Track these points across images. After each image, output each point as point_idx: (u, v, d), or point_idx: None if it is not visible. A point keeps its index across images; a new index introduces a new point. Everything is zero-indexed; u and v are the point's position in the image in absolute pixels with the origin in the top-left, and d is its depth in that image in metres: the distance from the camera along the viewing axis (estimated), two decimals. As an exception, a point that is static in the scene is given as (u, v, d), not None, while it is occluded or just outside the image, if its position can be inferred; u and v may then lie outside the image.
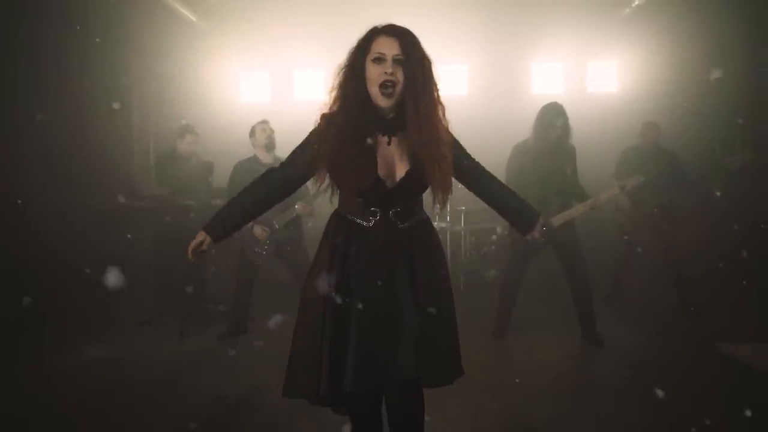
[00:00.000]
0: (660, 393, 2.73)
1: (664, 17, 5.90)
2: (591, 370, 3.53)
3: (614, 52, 6.62)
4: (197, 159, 4.61)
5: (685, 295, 4.62)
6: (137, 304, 4.59)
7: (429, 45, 1.75)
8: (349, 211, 1.81)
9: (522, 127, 3.98)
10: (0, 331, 3.81)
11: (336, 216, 1.87)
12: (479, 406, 2.88)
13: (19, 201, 4.20)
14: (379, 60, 1.69)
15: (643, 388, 3.02)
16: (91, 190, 4.94)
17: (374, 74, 1.69)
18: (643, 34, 6.15)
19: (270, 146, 4.12)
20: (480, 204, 2.09)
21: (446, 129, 1.79)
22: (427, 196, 1.86)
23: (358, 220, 1.79)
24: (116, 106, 5.15)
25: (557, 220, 3.76)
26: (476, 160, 1.98)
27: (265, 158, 4.11)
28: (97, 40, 4.65)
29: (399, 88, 1.70)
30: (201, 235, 1.83)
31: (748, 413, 2.52)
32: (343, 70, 1.76)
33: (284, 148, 3.29)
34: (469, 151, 1.95)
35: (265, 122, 4.17)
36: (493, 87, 6.65)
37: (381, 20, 1.76)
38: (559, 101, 3.84)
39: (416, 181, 1.76)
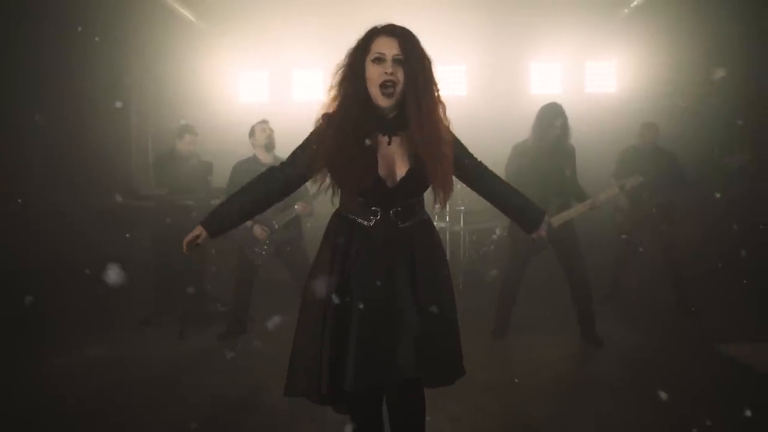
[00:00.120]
0: (660, 393, 2.72)
1: (662, 17, 5.90)
2: (590, 370, 3.53)
3: (613, 52, 6.62)
4: (196, 159, 4.60)
5: (684, 295, 4.62)
6: (137, 304, 4.60)
7: (428, 45, 1.75)
8: (350, 210, 1.81)
9: (521, 127, 3.98)
10: (0, 331, 3.81)
11: (337, 216, 1.88)
12: (479, 406, 2.88)
13: (19, 201, 4.20)
14: (379, 60, 1.69)
15: (642, 388, 3.03)
16: (90, 189, 4.94)
17: (374, 74, 1.70)
18: (642, 35, 6.16)
19: (269, 146, 4.12)
20: (479, 204, 2.10)
21: (447, 128, 1.80)
22: (427, 195, 1.86)
23: (359, 220, 1.79)
24: (119, 105, 5.14)
25: (556, 220, 3.76)
26: (478, 159, 1.99)
27: (265, 158, 4.10)
28: (97, 39, 4.64)
29: (399, 88, 1.70)
30: (197, 230, 1.84)
31: (748, 413, 2.52)
32: (342, 69, 1.76)
33: (283, 148, 3.30)
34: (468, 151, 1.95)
35: (264, 122, 4.16)
36: (491, 87, 6.65)
37: (381, 20, 1.76)
38: (558, 101, 3.85)
39: (417, 180, 1.76)
